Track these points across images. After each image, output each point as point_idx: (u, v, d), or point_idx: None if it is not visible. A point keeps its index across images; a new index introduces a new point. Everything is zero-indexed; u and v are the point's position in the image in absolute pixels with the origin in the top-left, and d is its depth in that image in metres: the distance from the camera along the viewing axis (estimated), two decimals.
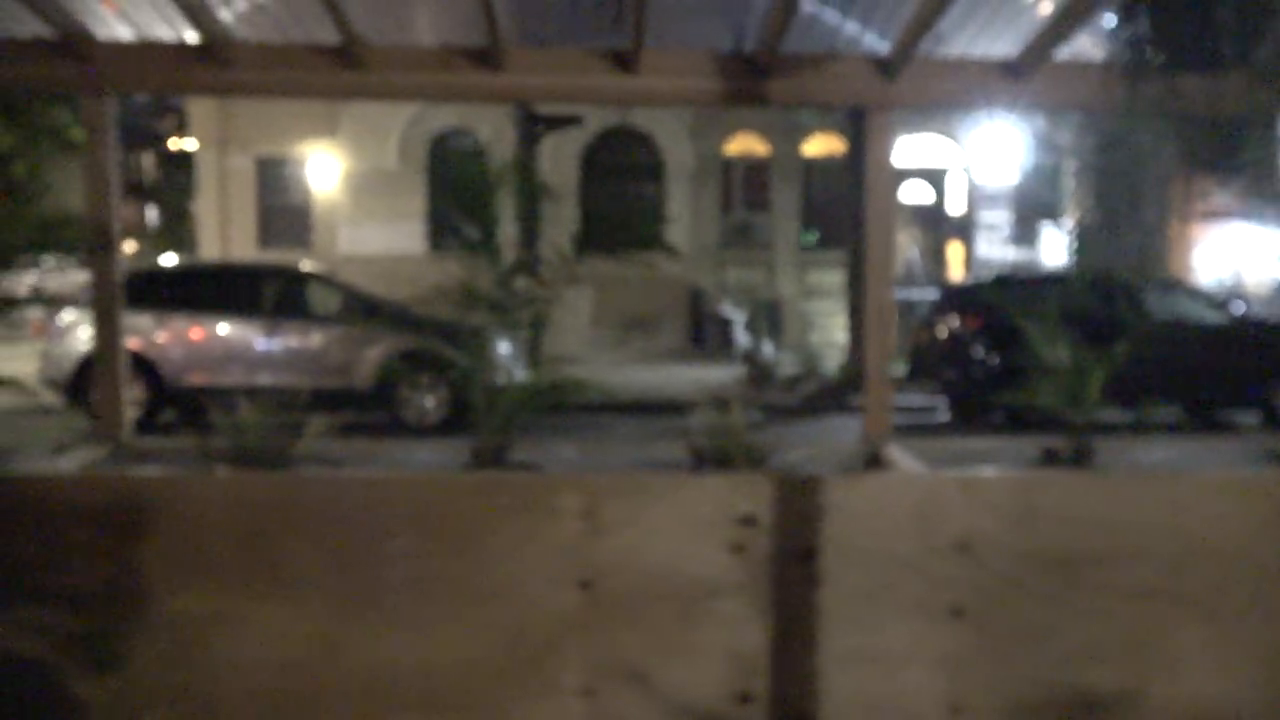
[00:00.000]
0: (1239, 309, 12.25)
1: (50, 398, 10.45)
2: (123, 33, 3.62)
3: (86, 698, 3.18)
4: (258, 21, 3.59)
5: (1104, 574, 3.35)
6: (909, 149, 21.25)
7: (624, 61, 3.52)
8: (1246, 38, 1.91)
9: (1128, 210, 23.16)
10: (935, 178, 22.00)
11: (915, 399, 12.41)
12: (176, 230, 29.68)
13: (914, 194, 22.11)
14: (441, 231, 20.25)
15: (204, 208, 19.91)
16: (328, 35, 3.47)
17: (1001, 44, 3.66)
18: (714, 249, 21.12)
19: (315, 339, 11.20)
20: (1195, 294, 12.73)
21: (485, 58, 3.50)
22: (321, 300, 11.75)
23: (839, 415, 11.87)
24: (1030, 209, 21.89)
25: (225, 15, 3.49)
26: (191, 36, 3.56)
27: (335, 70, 3.52)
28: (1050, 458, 3.69)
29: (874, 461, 3.70)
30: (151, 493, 3.27)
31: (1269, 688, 3.46)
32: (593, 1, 3.38)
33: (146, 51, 3.61)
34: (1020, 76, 3.39)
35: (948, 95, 3.68)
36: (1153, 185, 21.61)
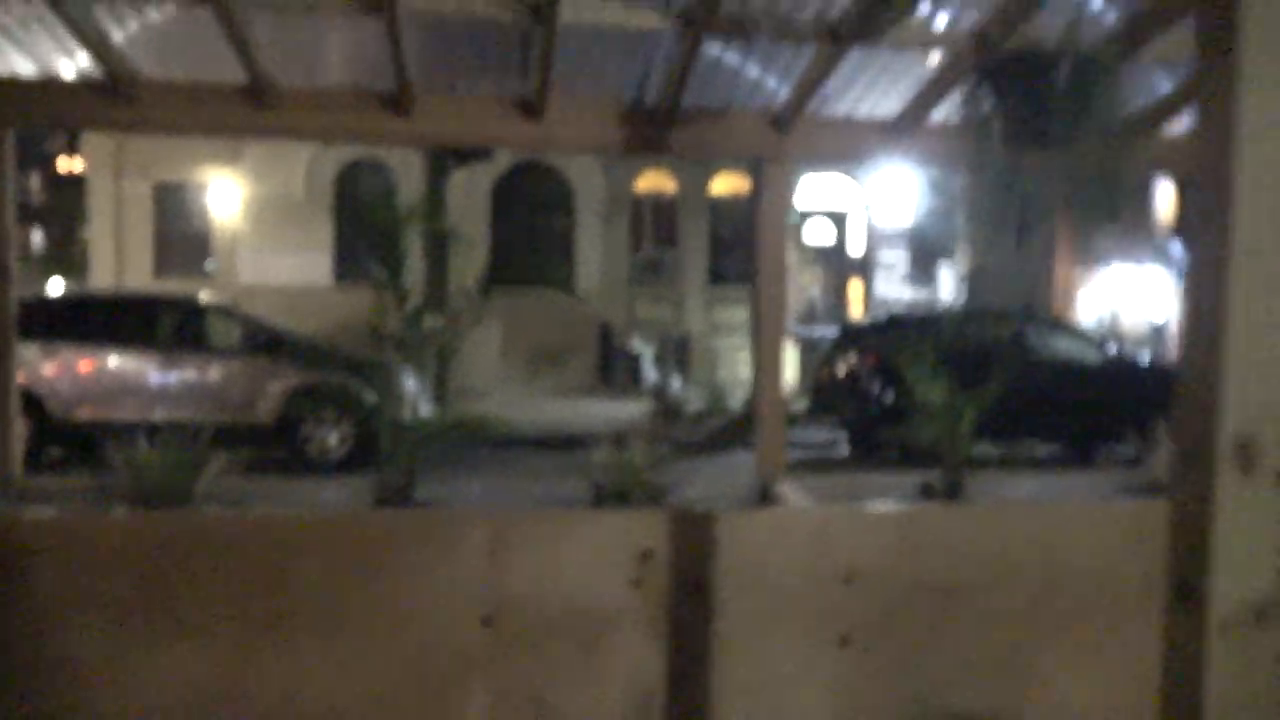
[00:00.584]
0: (1113, 349, 13.05)
1: None
2: (24, 67, 3.59)
3: None
4: (166, 58, 3.61)
5: (979, 600, 3.59)
6: (812, 189, 22.03)
7: (530, 109, 3.66)
8: (1074, 119, 2.19)
9: (1015, 253, 24.43)
10: (838, 218, 22.79)
11: (817, 435, 12.78)
12: (64, 256, 28.56)
13: (817, 234, 22.86)
14: (348, 262, 19.99)
15: (97, 234, 19.21)
16: (236, 74, 3.52)
17: (887, 103, 3.94)
18: (623, 284, 21.38)
19: (214, 372, 10.90)
20: (1074, 334, 13.48)
21: (393, 102, 3.59)
22: (222, 332, 11.48)
23: (743, 451, 12.14)
24: (926, 250, 22.84)
25: (131, 50, 3.50)
26: (94, 70, 3.56)
27: (243, 110, 3.56)
28: (926, 492, 3.93)
29: (766, 497, 3.87)
30: (45, 533, 3.21)
31: (1131, 703, 3.74)
32: (500, 50, 3.51)
33: (49, 86, 3.59)
34: (900, 135, 3.65)
35: (835, 150, 3.94)
36: (1038, 230, 22.85)
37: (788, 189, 3.89)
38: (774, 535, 3.48)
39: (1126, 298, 27.76)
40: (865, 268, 22.83)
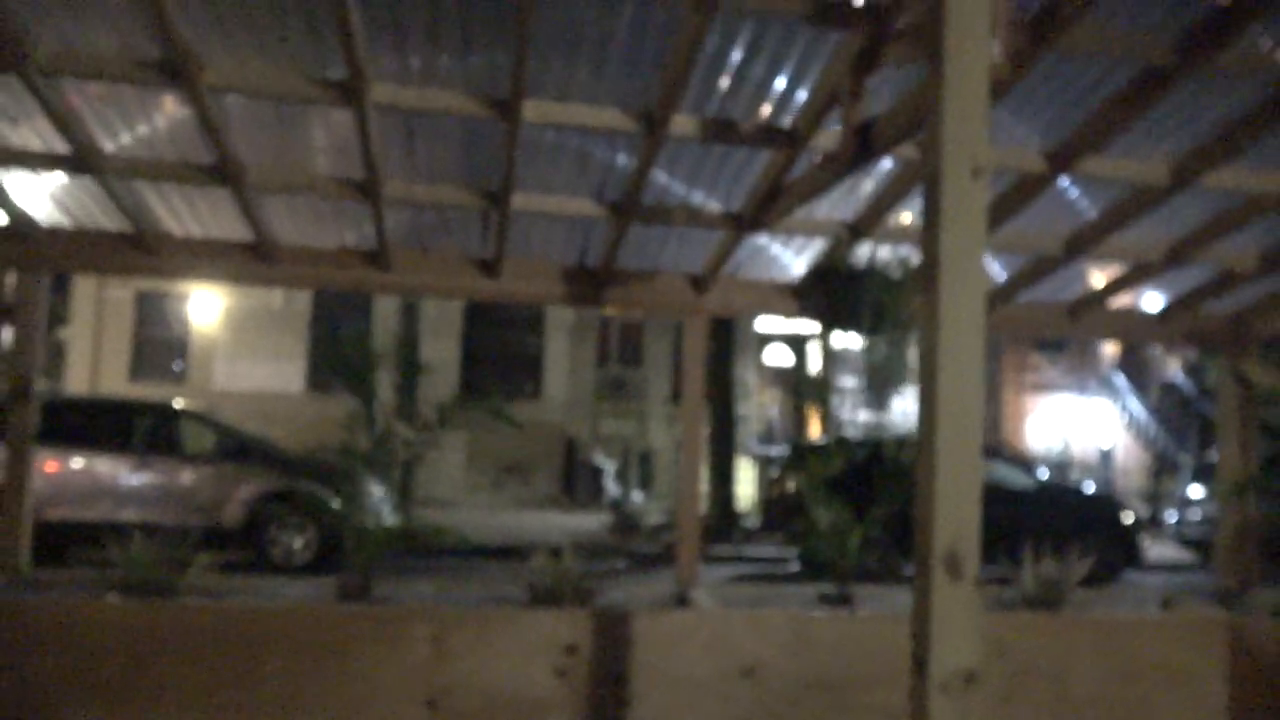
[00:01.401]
0: (1043, 474, 13.84)
1: None
2: (62, 219, 4.27)
3: None
4: (183, 216, 4.30)
5: (864, 695, 4.13)
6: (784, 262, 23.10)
7: (489, 267, 4.39)
8: (877, 316, 2.94)
9: None
10: (796, 342, 23.80)
11: (767, 550, 13.30)
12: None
13: (777, 357, 23.86)
14: (320, 372, 20.58)
15: (76, 335, 19.71)
16: (245, 233, 4.23)
17: (790, 264, 4.73)
18: (589, 400, 22.09)
19: (184, 476, 11.29)
20: (1008, 459, 14.30)
21: (375, 259, 4.31)
22: (193, 437, 11.92)
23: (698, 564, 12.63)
24: (879, 376, 23.84)
25: (156, 208, 4.20)
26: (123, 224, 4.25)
27: (249, 263, 4.26)
28: (823, 600, 4.52)
29: (682, 601, 4.45)
30: (48, 617, 3.72)
31: None
32: (464, 222, 4.26)
33: (83, 237, 4.27)
34: (796, 294, 4.41)
35: (745, 306, 4.70)
36: (985, 359, 24.01)
37: (704, 336, 4.61)
38: (682, 633, 4.05)
39: (1074, 426, 28.85)
40: (823, 389, 23.74)
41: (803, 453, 14.22)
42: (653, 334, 22.36)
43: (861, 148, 2.88)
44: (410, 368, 8.89)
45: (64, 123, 3.27)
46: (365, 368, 4.23)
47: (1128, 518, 12.15)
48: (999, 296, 4.70)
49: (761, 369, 23.61)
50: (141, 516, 10.59)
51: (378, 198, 3.69)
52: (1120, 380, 28.54)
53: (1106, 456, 28.07)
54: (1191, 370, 26.03)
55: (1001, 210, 3.96)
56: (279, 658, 3.76)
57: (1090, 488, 16.38)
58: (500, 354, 20.78)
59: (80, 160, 3.53)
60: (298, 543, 11.09)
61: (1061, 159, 3.49)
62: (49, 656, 3.65)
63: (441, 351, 19.21)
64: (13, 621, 3.67)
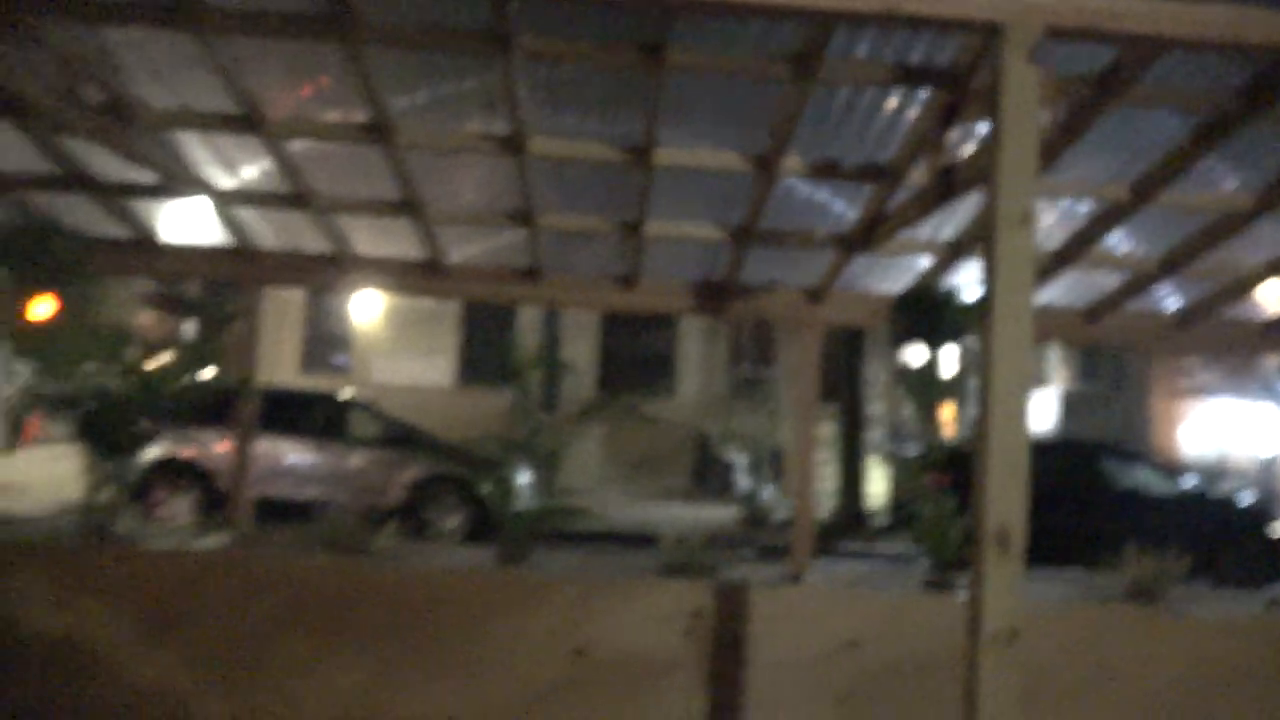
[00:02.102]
0: (1189, 482, 13.47)
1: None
2: (275, 242, 5.17)
3: (211, 717, 4.41)
4: (377, 240, 5.12)
5: (952, 674, 4.54)
6: (895, 274, 22.92)
7: (627, 282, 5.03)
8: (954, 333, 3.39)
9: (1110, 383, 24.63)
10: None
11: (896, 547, 13.51)
12: (210, 348, 31.74)
13: (912, 356, 23.74)
14: (470, 367, 21.94)
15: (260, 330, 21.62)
16: (420, 252, 5.01)
17: (898, 279, 5.17)
18: (722, 398, 22.62)
19: (354, 460, 12.54)
20: (1152, 465, 13.98)
21: (530, 275, 5.02)
22: (361, 425, 13.20)
23: (824, 558, 12.96)
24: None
25: (355, 236, 5.02)
26: (325, 246, 5.11)
27: (424, 278, 5.05)
28: (928, 585, 4.95)
29: (795, 580, 4.98)
30: (267, 568, 4.58)
31: None
32: (606, 244, 4.90)
33: (292, 258, 5.15)
34: (896, 308, 4.84)
35: (856, 318, 5.17)
36: (1135, 361, 23.14)
37: (818, 346, 5.10)
38: (793, 607, 4.58)
39: (1233, 432, 27.29)
40: (959, 390, 23.44)
41: (931, 453, 14.37)
42: (784, 335, 22.68)
43: (945, 188, 3.34)
44: (553, 367, 9.65)
45: (289, 166, 4.10)
46: (521, 368, 4.92)
47: (1276, 530, 11.77)
48: (1101, 309, 5.01)
49: (895, 369, 23.56)
50: (317, 495, 11.87)
51: (534, 225, 4.38)
52: None
53: (1269, 465, 26.47)
54: None
55: (1099, 228, 4.30)
56: (450, 610, 4.50)
57: (1246, 497, 15.73)
58: (635, 354, 21.59)
59: (297, 198, 4.37)
60: (451, 522, 12.16)
61: (1143, 193, 3.83)
62: (267, 599, 4.51)
63: (580, 352, 20.16)
64: (241, 571, 4.56)
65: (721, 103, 3.70)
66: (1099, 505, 11.99)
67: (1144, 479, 13.15)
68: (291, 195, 4.37)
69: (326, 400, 13.87)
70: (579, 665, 4.49)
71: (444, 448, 13.17)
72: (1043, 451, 14.95)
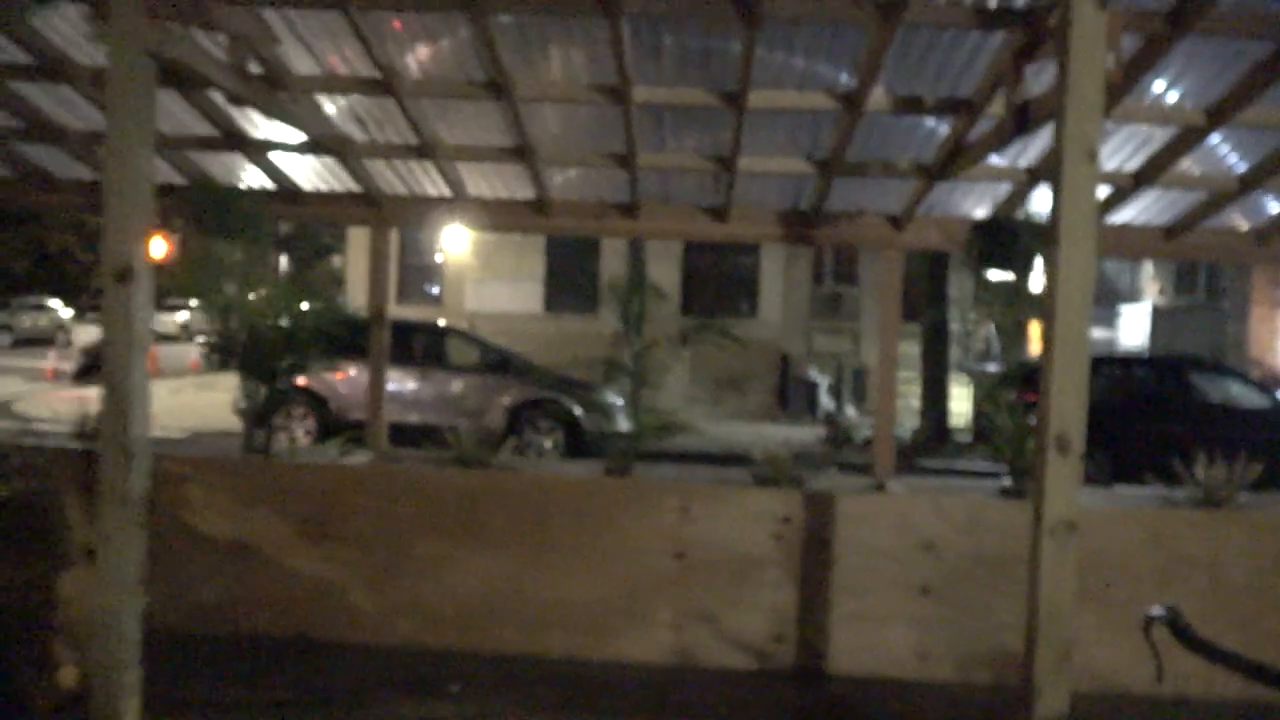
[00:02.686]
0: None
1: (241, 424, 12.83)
2: (400, 188, 5.66)
3: (363, 605, 5.09)
4: (486, 180, 5.57)
5: (1024, 571, 4.92)
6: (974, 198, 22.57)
7: (719, 214, 5.39)
8: (1027, 259, 3.66)
9: (1206, 295, 23.93)
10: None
11: (979, 464, 13.74)
12: (306, 280, 33.02)
13: (996, 276, 23.42)
14: (556, 294, 22.56)
15: (352, 264, 22.61)
16: (528, 193, 5.44)
17: (972, 206, 5.42)
18: (804, 318, 22.80)
19: (455, 386, 13.26)
20: (1243, 379, 13.80)
21: (628, 210, 5.42)
22: (460, 352, 13.91)
23: (907, 474, 13.31)
24: (1109, 292, 22.85)
25: (468, 179, 5.47)
26: (438, 190, 5.58)
27: (531, 216, 5.50)
28: (1003, 492, 5.31)
29: (878, 488, 5.39)
30: (408, 479, 5.20)
31: (1139, 659, 4.93)
32: (698, 179, 5.26)
33: (414, 202, 5.65)
34: (978, 230, 5.08)
35: (937, 243, 5.43)
36: (1232, 271, 22.42)
37: (900, 269, 5.40)
38: (874, 512, 5.00)
39: None
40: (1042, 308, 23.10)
41: (1018, 371, 14.44)
42: (867, 254, 22.59)
43: (1021, 122, 3.61)
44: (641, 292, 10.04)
45: (415, 121, 4.56)
46: (624, 296, 5.35)
47: None
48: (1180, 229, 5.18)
49: (985, 285, 23.22)
50: (422, 419, 12.65)
51: (634, 167, 4.76)
52: None
53: None
54: None
55: (1177, 150, 4.48)
56: (566, 515, 5.06)
57: None
58: (718, 276, 21.84)
59: (422, 149, 4.84)
60: (548, 443, 12.84)
61: (1218, 115, 4.01)
62: (408, 506, 5.13)
63: (665, 275, 20.50)
64: (386, 482, 5.18)
65: (810, 45, 3.98)
66: (1186, 418, 11.98)
67: (1234, 392, 13.05)
68: (418, 146, 4.83)
69: (428, 328, 14.60)
70: (681, 562, 5.02)
71: (539, 372, 13.83)
72: (1131, 365, 14.89)
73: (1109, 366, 15.58)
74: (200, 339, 31.71)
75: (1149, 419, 12.06)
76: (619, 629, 5.04)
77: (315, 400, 12.79)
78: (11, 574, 4.33)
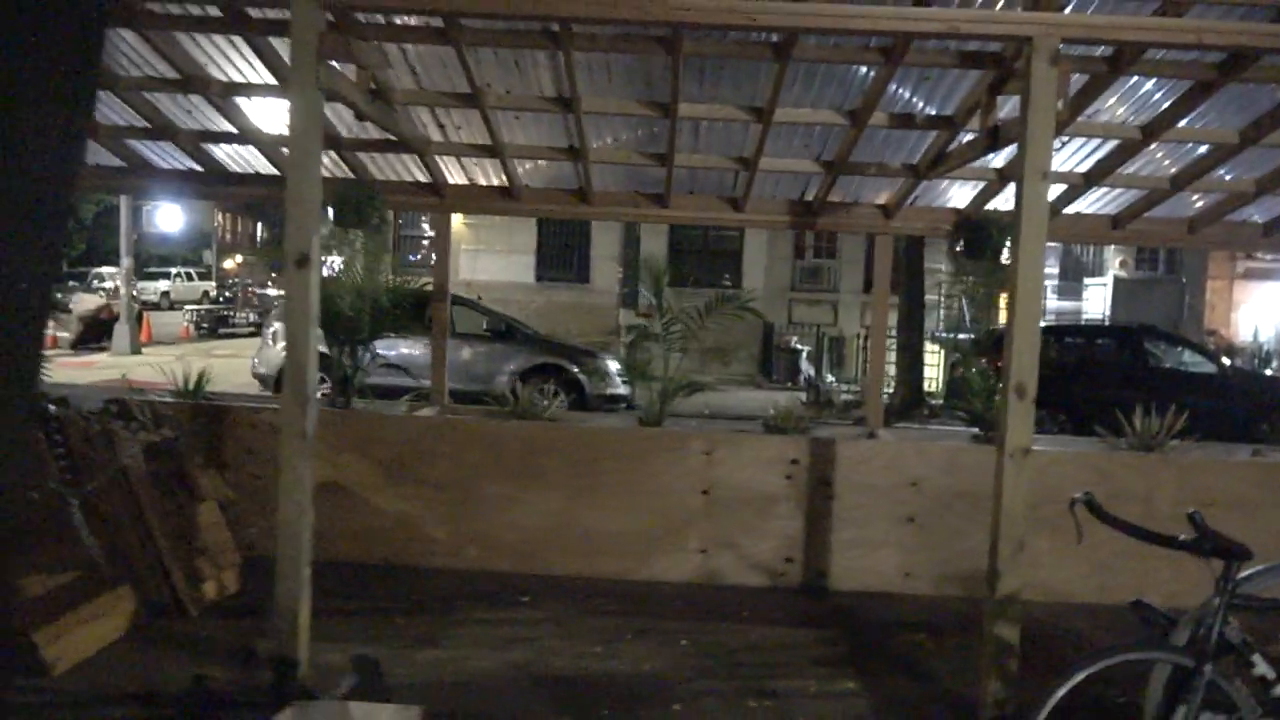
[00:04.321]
0: (1228, 360, 14.51)
1: (259, 386, 13.67)
2: (459, 178, 6.54)
3: (437, 536, 6.03)
4: (536, 174, 6.46)
5: (989, 502, 5.94)
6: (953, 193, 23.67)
7: (736, 204, 6.33)
8: (996, 249, 4.70)
9: (1165, 270, 25.24)
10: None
11: (951, 427, 14.86)
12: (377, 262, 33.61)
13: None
14: (547, 264, 23.41)
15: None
16: (572, 183, 6.35)
17: (956, 198, 6.38)
18: (786, 289, 23.81)
19: (463, 353, 14.09)
20: (1194, 346, 15.02)
21: (658, 199, 6.34)
22: (469, 321, 14.75)
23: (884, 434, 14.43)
24: (1077, 267, 24.05)
25: (519, 171, 6.36)
26: (495, 180, 6.46)
27: (574, 203, 6.40)
28: (974, 439, 6.34)
29: (870, 437, 6.39)
30: (475, 428, 6.12)
31: (1091, 579, 6.00)
32: (720, 175, 6.17)
33: (472, 190, 6.53)
34: (956, 225, 6.07)
35: (922, 229, 6.40)
36: (1191, 250, 23.68)
37: (890, 252, 6.38)
38: (869, 455, 6.00)
39: None
40: (992, 274, 24.28)
41: (987, 338, 15.56)
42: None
43: (992, 140, 4.57)
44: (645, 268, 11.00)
45: (491, 127, 5.46)
46: (659, 276, 6.27)
47: None
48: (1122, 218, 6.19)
49: (955, 258, 24.35)
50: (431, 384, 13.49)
51: (671, 164, 5.68)
52: None
53: None
54: None
55: (1120, 157, 5.46)
56: (610, 459, 6.01)
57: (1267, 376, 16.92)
58: (704, 248, 22.77)
59: (491, 149, 5.73)
60: (550, 410, 13.75)
61: (1151, 131, 5.00)
62: (476, 451, 6.06)
63: (654, 248, 21.41)
64: (454, 431, 6.10)
65: (823, 75, 4.91)
66: (1138, 380, 13.15)
67: (1183, 358, 14.26)
68: (490, 147, 5.72)
69: (414, 295, 15.31)
70: (706, 498, 6.01)
71: (543, 339, 14.71)
72: (1089, 334, 16.06)
73: (1071, 335, 16.80)
74: (189, 308, 32.34)
75: (1105, 382, 13.22)
76: (657, 554, 6.02)
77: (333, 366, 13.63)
78: (162, 504, 5.23)
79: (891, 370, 21.31)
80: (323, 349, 14.01)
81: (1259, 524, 5.89)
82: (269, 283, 41.31)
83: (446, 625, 5.06)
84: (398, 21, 4.44)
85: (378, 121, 4.91)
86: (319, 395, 11.83)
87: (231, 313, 31.75)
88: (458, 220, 23.56)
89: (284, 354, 11.90)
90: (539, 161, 6.19)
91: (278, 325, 14.05)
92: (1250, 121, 4.92)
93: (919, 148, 5.59)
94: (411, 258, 23.62)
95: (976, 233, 4.81)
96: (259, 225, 58.95)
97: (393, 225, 22.59)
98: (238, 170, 6.49)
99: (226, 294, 41.02)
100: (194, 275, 44.16)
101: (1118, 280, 24.31)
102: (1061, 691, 2.87)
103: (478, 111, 5.25)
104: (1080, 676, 2.87)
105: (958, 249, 5.03)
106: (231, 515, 5.72)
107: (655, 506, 6.01)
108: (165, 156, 6.42)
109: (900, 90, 4.98)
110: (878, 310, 6.59)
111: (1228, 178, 5.66)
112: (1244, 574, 2.96)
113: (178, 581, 5.06)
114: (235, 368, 16.17)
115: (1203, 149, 5.37)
